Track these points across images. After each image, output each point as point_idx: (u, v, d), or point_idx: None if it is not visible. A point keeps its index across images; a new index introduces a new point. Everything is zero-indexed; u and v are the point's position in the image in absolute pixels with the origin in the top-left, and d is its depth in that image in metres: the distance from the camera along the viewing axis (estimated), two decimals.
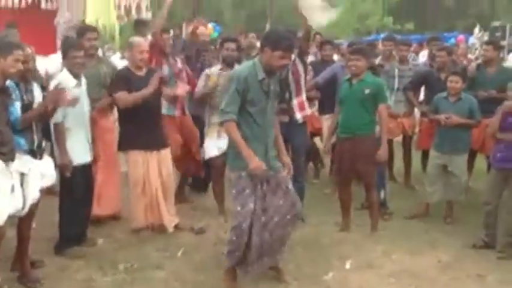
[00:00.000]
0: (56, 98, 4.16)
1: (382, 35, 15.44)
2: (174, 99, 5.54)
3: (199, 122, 5.90)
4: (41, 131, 4.27)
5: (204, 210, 5.93)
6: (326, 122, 6.68)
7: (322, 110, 6.81)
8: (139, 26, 7.71)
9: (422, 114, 6.68)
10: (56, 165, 4.48)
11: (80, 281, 4.23)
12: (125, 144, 5.03)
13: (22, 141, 4.08)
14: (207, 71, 5.71)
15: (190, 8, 21.64)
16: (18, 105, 4.07)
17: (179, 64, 5.86)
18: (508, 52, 14.41)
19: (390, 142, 6.46)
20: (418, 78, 6.71)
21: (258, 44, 7.49)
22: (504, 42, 14.53)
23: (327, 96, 6.57)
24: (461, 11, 29.30)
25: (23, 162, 4.00)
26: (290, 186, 4.14)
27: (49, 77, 5.33)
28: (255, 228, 3.96)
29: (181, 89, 5.52)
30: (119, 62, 6.95)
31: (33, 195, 3.99)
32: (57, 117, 4.47)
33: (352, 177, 5.44)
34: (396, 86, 6.71)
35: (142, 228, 5.06)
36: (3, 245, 3.96)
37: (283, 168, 4.20)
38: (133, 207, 5.05)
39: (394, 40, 7.19)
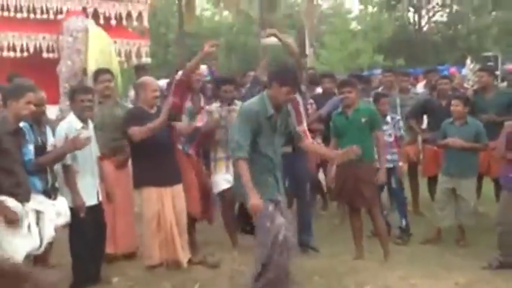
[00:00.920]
0: (76, 144, 4.19)
1: (375, 71, 15.70)
2: (193, 133, 5.49)
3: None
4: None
5: (216, 244, 5.91)
6: None
7: (327, 142, 6.86)
8: (140, 70, 7.86)
9: (425, 141, 6.76)
10: None
11: None
12: (139, 181, 5.05)
13: (37, 182, 4.12)
14: (207, 108, 5.74)
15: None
16: (31, 147, 4.12)
17: (202, 102, 5.89)
18: (502, 81, 14.62)
19: None
20: (419, 106, 6.82)
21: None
22: (497, 72, 14.75)
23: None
24: (450, 46, 29.83)
25: (38, 201, 4.02)
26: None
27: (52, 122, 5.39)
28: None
29: (201, 121, 5.53)
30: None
31: (49, 233, 3.99)
32: (66, 159, 4.51)
33: (359, 204, 5.45)
34: (399, 115, 6.80)
35: (157, 265, 5.02)
36: None
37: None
38: (147, 244, 5.03)
39: (393, 71, 7.35)
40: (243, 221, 5.81)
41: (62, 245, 4.64)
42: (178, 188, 5.11)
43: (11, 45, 7.97)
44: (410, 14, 33.13)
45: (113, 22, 8.50)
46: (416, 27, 32.72)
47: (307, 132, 5.67)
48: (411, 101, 6.88)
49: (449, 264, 5.22)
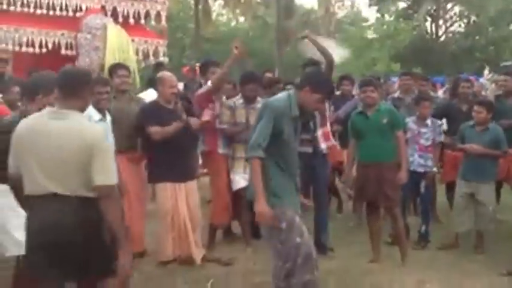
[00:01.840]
0: None
1: (392, 79, 15.60)
2: (203, 126, 5.46)
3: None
4: None
5: (230, 242, 5.88)
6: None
7: (344, 144, 6.78)
8: (159, 67, 7.84)
9: (446, 146, 6.65)
10: None
11: None
12: (154, 176, 5.03)
13: None
14: (229, 102, 5.70)
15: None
16: None
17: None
18: None
19: None
20: (439, 110, 6.71)
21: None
22: None
23: (348, 130, 6.58)
24: (467, 56, 29.67)
25: None
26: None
27: None
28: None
29: (207, 114, 5.48)
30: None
31: None
32: None
33: (378, 206, 5.37)
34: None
35: (170, 261, 4.98)
36: None
37: None
38: (161, 239, 4.99)
39: (412, 75, 7.26)
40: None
41: None
42: (192, 184, 5.11)
43: (30, 41, 7.99)
44: (428, 24, 33.01)
45: (131, 21, 8.50)
46: (434, 36, 32.58)
47: (330, 134, 5.64)
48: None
49: (466, 271, 5.10)
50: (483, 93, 11.53)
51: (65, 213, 2.88)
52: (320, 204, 5.55)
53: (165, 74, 5.29)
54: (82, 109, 3.10)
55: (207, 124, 5.41)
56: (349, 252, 5.56)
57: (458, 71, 23.23)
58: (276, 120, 3.70)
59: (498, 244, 5.66)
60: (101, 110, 4.68)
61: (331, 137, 5.64)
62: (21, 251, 3.20)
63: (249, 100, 5.63)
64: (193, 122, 5.17)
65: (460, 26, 33.13)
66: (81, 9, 8.12)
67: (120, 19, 8.35)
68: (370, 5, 34.20)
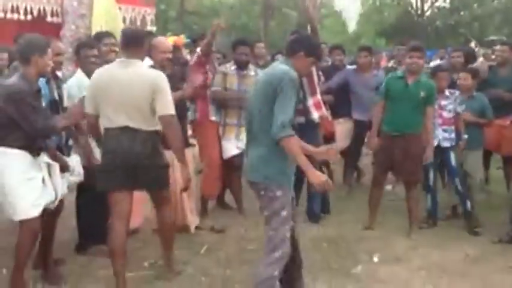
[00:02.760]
0: (80, 111, 3.99)
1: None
2: (196, 91, 5.30)
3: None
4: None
5: (222, 210, 5.87)
6: (339, 126, 6.67)
7: (335, 114, 6.76)
8: (148, 35, 7.68)
9: None
10: None
11: (104, 278, 4.09)
12: None
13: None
14: (222, 68, 5.62)
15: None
16: (45, 102, 3.98)
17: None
18: None
19: None
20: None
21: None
22: None
23: (339, 100, 6.57)
24: (452, 32, 29.72)
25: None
26: None
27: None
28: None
29: (198, 79, 5.36)
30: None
31: (62, 187, 3.90)
32: None
33: (386, 177, 5.36)
34: None
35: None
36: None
37: None
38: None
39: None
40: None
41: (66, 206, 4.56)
42: (187, 153, 5.00)
43: (14, 8, 7.81)
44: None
45: None
46: (419, 12, 32.53)
47: (321, 103, 5.55)
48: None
49: (459, 237, 5.15)
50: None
51: (134, 142, 3.71)
52: None
53: (157, 39, 5.16)
54: (142, 59, 3.95)
55: (199, 90, 5.31)
56: (341, 220, 5.58)
57: (442, 47, 23.29)
58: (296, 92, 3.46)
59: (488, 214, 5.67)
60: (88, 74, 4.54)
61: (322, 106, 5.56)
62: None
63: (242, 65, 5.55)
64: (186, 88, 5.06)
65: (445, 1, 33.09)
66: None
67: None
68: None
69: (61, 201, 4.01)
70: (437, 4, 33.24)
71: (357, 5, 31.60)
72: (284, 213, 3.40)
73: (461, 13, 31.37)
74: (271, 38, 25.55)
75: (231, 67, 5.61)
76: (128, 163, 3.70)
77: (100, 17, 7.97)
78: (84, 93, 4.34)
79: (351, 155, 6.91)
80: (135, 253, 4.53)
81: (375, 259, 4.58)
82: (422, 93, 5.04)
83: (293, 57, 3.60)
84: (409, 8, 32.57)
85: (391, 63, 6.94)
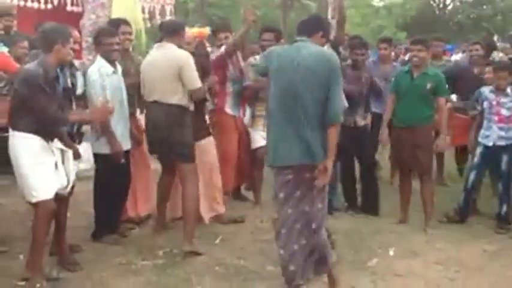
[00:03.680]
0: (103, 114, 4.08)
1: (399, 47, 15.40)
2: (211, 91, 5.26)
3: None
4: None
5: (238, 201, 5.86)
6: None
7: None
8: None
9: (456, 109, 6.55)
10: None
11: (120, 265, 4.14)
12: None
13: None
14: (251, 59, 5.52)
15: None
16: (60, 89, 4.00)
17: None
18: None
19: None
20: (449, 72, 6.57)
21: None
22: None
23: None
24: (474, 25, 29.29)
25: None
26: None
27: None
28: None
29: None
30: None
31: (73, 172, 3.93)
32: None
33: (410, 170, 5.31)
34: None
35: (180, 217, 4.92)
36: None
37: None
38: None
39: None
40: None
41: (82, 196, 4.60)
42: (205, 142, 4.99)
43: None
44: None
45: None
46: (441, 5, 32.14)
47: None
48: (443, 68, 6.65)
49: (476, 232, 5.11)
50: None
51: (161, 115, 4.37)
52: None
53: None
54: (178, 45, 4.51)
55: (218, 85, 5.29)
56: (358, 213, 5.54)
57: (464, 41, 23.00)
58: None
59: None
60: (111, 62, 4.55)
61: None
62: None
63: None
64: (211, 79, 5.04)
65: None
66: None
67: None
68: None
69: (72, 188, 4.04)
70: None
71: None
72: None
73: (484, 7, 30.88)
74: (290, 29, 25.37)
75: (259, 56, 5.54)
76: (156, 134, 4.40)
77: (119, 7, 7.98)
78: (105, 79, 4.41)
79: None
80: (149, 242, 4.56)
81: (391, 253, 4.54)
82: (429, 85, 5.03)
83: (312, 36, 3.65)
84: (431, 2, 32.20)
85: (407, 57, 6.85)
